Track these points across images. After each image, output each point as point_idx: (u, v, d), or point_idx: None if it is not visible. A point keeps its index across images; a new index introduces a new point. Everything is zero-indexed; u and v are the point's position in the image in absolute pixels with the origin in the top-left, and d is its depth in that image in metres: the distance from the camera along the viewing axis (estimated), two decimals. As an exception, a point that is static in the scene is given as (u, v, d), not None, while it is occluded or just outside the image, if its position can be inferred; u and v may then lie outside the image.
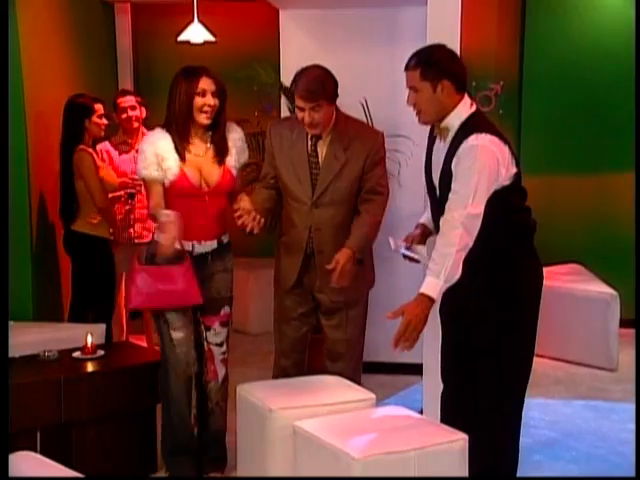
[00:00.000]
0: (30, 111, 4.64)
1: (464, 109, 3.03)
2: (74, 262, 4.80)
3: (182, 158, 3.37)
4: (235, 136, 3.54)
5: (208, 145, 3.46)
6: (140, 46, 6.33)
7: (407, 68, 3.03)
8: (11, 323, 3.70)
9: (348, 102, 4.96)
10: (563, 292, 5.54)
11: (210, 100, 3.35)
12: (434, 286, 2.84)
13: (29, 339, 3.83)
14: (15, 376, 3.31)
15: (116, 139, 5.03)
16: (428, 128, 4.11)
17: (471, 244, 2.84)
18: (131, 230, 4.94)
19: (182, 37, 5.37)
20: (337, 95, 3.54)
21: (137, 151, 4.76)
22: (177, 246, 3.30)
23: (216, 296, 3.54)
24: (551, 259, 6.04)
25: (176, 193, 3.39)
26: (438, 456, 2.82)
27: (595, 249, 6.30)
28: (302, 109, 3.43)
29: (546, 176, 6.31)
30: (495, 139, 2.95)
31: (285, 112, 5.06)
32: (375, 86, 5.08)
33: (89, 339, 3.70)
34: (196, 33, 5.31)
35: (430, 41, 4.04)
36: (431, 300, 2.86)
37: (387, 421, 3.06)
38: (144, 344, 4.97)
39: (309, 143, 3.59)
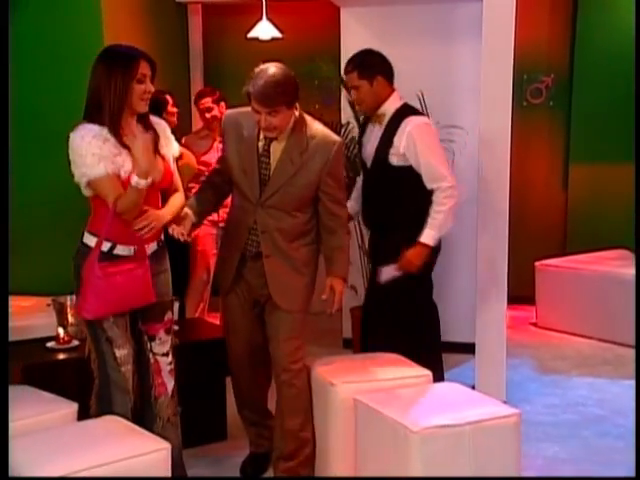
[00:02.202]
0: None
1: (396, 99, 3.73)
2: None
3: (126, 148, 2.79)
4: (161, 127, 3.00)
5: (140, 135, 2.85)
6: (210, 43, 6.36)
7: (346, 72, 3.66)
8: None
9: (405, 94, 4.91)
10: (611, 276, 5.46)
11: (149, 85, 2.84)
12: (431, 236, 3.54)
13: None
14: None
15: (200, 132, 5.14)
16: (480, 119, 4.08)
17: (456, 204, 3.57)
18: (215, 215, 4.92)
19: (252, 34, 5.40)
20: (297, 98, 3.05)
21: (220, 142, 4.85)
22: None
23: (159, 300, 2.99)
24: (600, 244, 5.94)
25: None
26: (492, 431, 2.79)
27: (643, 235, 6.14)
28: (258, 112, 2.97)
29: (595, 165, 6.21)
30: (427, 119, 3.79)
31: (345, 105, 5.04)
32: (431, 79, 5.02)
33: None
34: (264, 30, 5.34)
35: (485, 36, 4.00)
36: (428, 246, 3.57)
37: (443, 396, 3.03)
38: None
39: (262, 142, 3.11)
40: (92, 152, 2.73)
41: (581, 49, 6.20)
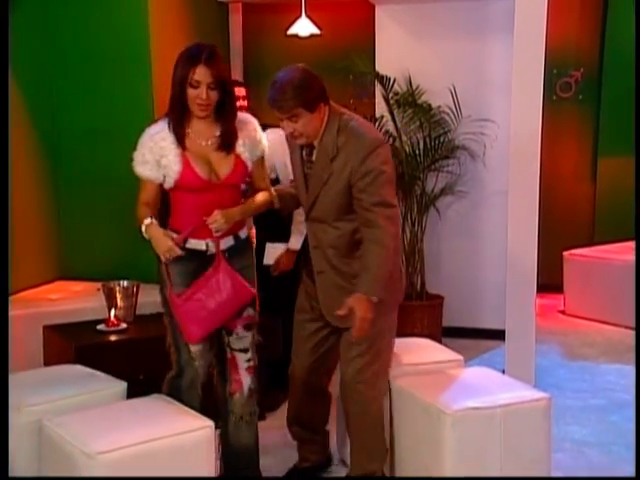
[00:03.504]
0: (157, 99, 4.72)
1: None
2: None
3: (183, 147, 2.71)
4: (248, 128, 2.82)
5: (216, 135, 2.75)
6: (250, 41, 6.37)
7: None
8: (142, 285, 3.83)
9: (437, 88, 4.92)
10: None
11: (203, 93, 2.64)
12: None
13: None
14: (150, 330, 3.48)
15: None
16: (512, 113, 4.03)
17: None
18: None
19: (291, 31, 5.40)
20: (320, 100, 2.70)
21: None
22: (172, 237, 2.69)
23: None
24: (626, 235, 5.84)
25: (184, 188, 2.73)
26: (523, 414, 2.77)
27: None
28: (280, 119, 2.72)
29: (622, 157, 6.11)
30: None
31: (379, 99, 5.02)
32: (463, 73, 4.99)
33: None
34: (304, 27, 5.33)
35: (517, 31, 3.93)
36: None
37: (475, 380, 3.01)
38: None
39: (305, 151, 2.85)
40: (142, 151, 2.72)
41: (610, 44, 6.11)
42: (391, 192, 2.72)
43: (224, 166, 2.74)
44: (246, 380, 2.89)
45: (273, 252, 3.70)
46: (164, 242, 2.64)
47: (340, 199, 2.74)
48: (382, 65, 5.06)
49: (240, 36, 6.31)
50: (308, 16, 5.37)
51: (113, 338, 3.57)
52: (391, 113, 4.89)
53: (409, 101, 4.88)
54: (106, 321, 3.65)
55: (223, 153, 2.74)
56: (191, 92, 2.65)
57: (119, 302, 3.74)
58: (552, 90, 6.14)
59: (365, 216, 2.69)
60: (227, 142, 2.74)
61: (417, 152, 4.86)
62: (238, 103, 4.85)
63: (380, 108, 5.02)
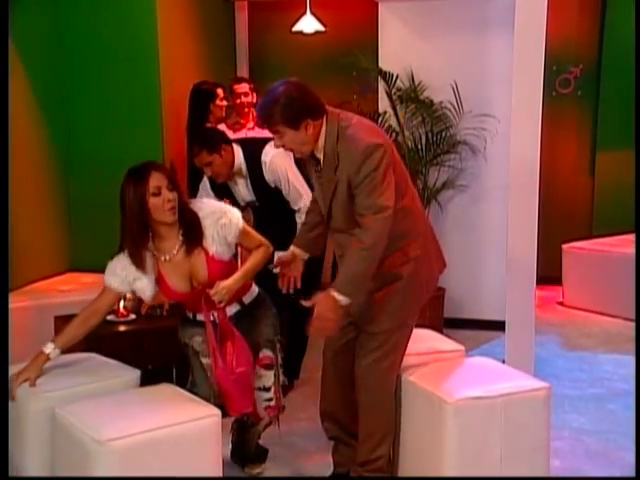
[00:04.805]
0: (164, 96, 4.72)
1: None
2: None
3: (159, 270, 2.68)
4: (215, 216, 2.69)
5: (180, 240, 2.68)
6: (255, 38, 6.36)
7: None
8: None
9: (439, 84, 4.92)
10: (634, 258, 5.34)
11: (168, 194, 2.59)
12: None
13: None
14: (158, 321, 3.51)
15: (230, 120, 5.08)
16: (512, 109, 4.02)
17: None
18: None
19: (296, 27, 5.39)
20: (305, 117, 2.59)
21: (248, 129, 4.83)
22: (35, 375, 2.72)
23: (250, 344, 2.80)
24: (624, 228, 5.83)
25: (173, 300, 2.82)
26: (523, 403, 2.77)
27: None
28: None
29: (620, 152, 6.09)
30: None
31: (382, 95, 5.01)
32: (464, 70, 4.98)
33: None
34: (308, 24, 5.33)
35: (517, 28, 3.91)
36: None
37: (476, 370, 3.01)
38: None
39: (314, 162, 2.78)
40: (116, 265, 2.70)
41: (609, 41, 6.08)
42: (385, 194, 2.58)
43: (200, 269, 2.70)
44: (265, 417, 2.92)
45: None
46: (28, 372, 2.72)
47: (348, 207, 2.66)
48: (385, 61, 5.05)
49: (246, 33, 6.31)
50: (313, 13, 5.38)
51: (122, 328, 3.58)
52: (394, 109, 4.88)
53: (411, 97, 4.88)
54: (116, 312, 3.65)
55: (195, 255, 2.68)
56: (155, 201, 2.58)
57: (128, 294, 3.74)
58: (552, 86, 6.12)
59: (359, 219, 2.61)
60: (193, 239, 2.66)
61: (419, 147, 4.86)
62: (239, 99, 4.94)
63: (383, 104, 5.02)
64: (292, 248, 2.96)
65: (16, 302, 3.96)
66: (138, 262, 2.64)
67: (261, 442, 3.17)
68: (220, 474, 2.63)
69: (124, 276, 2.68)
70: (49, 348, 2.74)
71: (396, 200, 2.64)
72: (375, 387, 2.82)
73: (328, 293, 2.58)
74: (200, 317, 2.83)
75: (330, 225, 2.79)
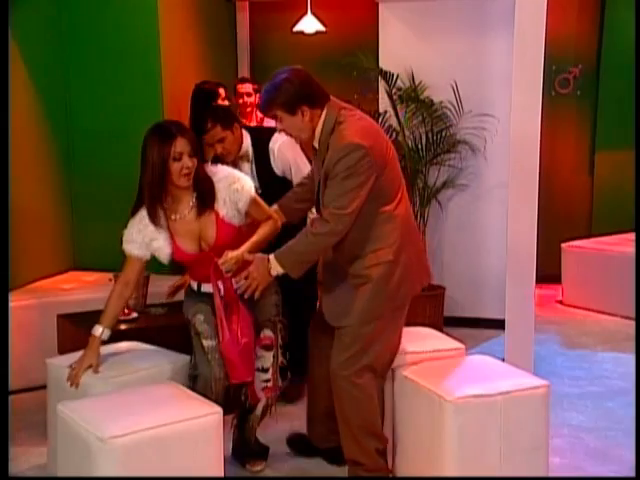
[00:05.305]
0: (166, 96, 4.72)
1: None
2: None
3: (168, 229, 2.76)
4: (228, 181, 2.78)
5: (192, 202, 2.77)
6: (256, 38, 6.37)
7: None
8: (152, 275, 3.83)
9: (439, 84, 4.92)
10: (634, 257, 5.33)
11: (188, 162, 2.68)
12: None
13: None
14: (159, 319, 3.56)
15: None
16: (512, 108, 4.01)
17: None
18: None
19: (297, 28, 5.40)
20: (302, 104, 2.65)
21: None
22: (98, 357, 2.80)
23: (255, 318, 2.88)
24: (623, 227, 5.84)
25: (180, 262, 2.86)
26: (522, 401, 2.76)
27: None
28: None
29: (619, 151, 6.10)
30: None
31: (383, 94, 5.01)
32: (464, 69, 4.99)
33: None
34: (309, 24, 5.33)
35: (517, 28, 3.91)
36: None
37: (475, 368, 3.01)
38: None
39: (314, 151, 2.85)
40: (131, 231, 2.77)
41: (608, 41, 6.08)
42: (350, 195, 2.60)
43: (209, 230, 2.77)
44: (262, 399, 2.93)
45: None
46: (89, 359, 2.77)
47: None
48: (385, 61, 5.05)
49: (247, 33, 6.31)
50: (314, 13, 5.38)
51: (124, 327, 3.57)
52: (394, 108, 4.88)
53: (412, 97, 4.88)
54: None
55: (205, 216, 2.75)
56: (175, 166, 2.66)
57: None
58: (551, 86, 6.12)
59: (322, 209, 2.68)
60: (205, 202, 2.74)
61: (419, 146, 4.86)
62: (242, 99, 4.94)
63: (383, 103, 5.02)
64: (275, 206, 2.99)
65: (18, 301, 3.97)
66: (154, 217, 2.71)
67: (262, 440, 3.17)
68: (221, 471, 2.63)
69: (141, 240, 2.75)
70: (98, 330, 2.79)
71: (378, 204, 2.70)
72: (348, 384, 2.79)
73: (264, 257, 2.70)
74: (204, 289, 2.86)
75: (318, 210, 2.81)
